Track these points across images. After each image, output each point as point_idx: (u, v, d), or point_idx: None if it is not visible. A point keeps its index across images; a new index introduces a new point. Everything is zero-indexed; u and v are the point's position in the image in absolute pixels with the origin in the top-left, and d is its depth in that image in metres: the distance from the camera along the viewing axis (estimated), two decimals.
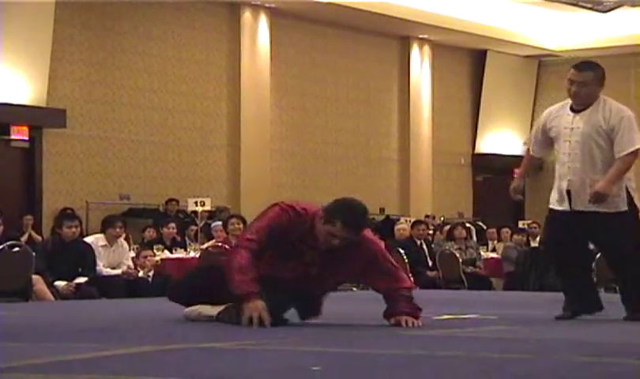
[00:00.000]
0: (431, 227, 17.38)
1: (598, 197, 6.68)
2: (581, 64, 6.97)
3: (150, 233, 14.64)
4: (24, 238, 14.26)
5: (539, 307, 8.37)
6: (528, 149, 7.25)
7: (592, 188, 6.69)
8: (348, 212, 6.01)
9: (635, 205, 6.85)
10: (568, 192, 6.84)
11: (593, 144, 6.78)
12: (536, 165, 7.17)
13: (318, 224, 5.97)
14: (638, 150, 6.74)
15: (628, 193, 6.81)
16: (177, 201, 17.50)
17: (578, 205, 6.81)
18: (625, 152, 6.71)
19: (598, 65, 7.00)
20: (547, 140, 7.05)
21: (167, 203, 17.58)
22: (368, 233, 6.21)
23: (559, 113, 7.00)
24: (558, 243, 6.96)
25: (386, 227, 17.78)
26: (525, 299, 10.77)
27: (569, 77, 6.90)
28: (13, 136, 16.50)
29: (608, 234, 6.82)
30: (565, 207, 6.87)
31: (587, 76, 6.85)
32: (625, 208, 6.80)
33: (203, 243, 14.03)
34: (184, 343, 5.10)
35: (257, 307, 5.85)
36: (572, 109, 6.92)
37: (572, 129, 6.85)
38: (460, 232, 15.09)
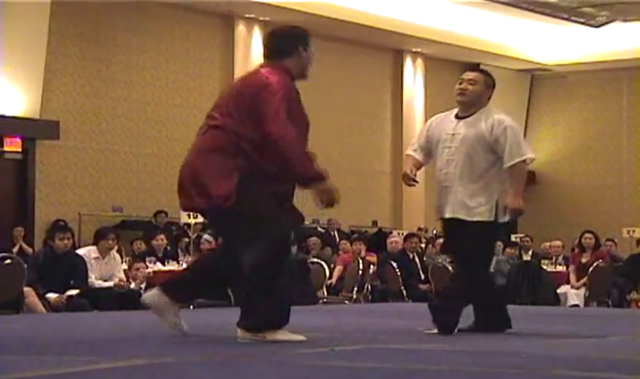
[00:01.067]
0: (424, 240, 17.38)
1: (515, 213, 6.70)
2: (472, 67, 7.13)
3: (138, 245, 14.61)
4: (14, 250, 14.24)
5: (531, 321, 8.36)
6: (411, 153, 7.12)
7: (508, 206, 6.67)
8: (296, 26, 6.28)
9: (497, 220, 6.76)
10: (445, 198, 6.82)
11: (473, 152, 6.72)
12: (419, 166, 7.12)
13: (302, 59, 6.07)
14: (527, 160, 6.75)
15: (497, 205, 6.73)
16: (166, 213, 17.48)
17: (447, 213, 6.78)
18: (514, 161, 6.69)
19: (491, 74, 7.02)
20: (426, 145, 7.01)
21: (155, 215, 17.56)
22: None
23: (443, 120, 6.97)
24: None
25: (379, 239, 17.79)
26: (517, 313, 10.75)
27: (460, 78, 6.95)
28: (6, 148, 16.49)
29: (466, 241, 6.71)
30: (440, 214, 6.89)
31: (477, 77, 6.90)
32: (490, 218, 6.72)
33: (195, 255, 14.02)
34: (176, 356, 5.10)
35: (330, 188, 5.96)
36: (457, 116, 6.88)
37: (453, 135, 6.80)
38: None
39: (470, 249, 6.73)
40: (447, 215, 6.78)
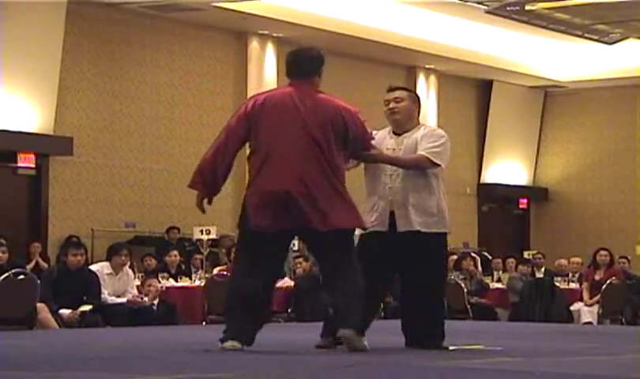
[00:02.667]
0: None
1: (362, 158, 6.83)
2: (393, 86, 7.16)
3: (149, 261, 14.62)
4: (30, 266, 14.25)
5: (544, 339, 8.34)
6: None
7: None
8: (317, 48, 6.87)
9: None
10: (392, 213, 6.77)
11: None
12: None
13: (319, 81, 6.74)
14: (433, 164, 6.78)
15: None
16: (178, 229, 17.49)
17: (401, 226, 6.75)
18: (430, 153, 6.76)
19: (412, 89, 7.26)
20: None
21: (168, 231, 17.56)
22: None
23: (382, 135, 7.05)
24: (371, 267, 6.68)
25: None
26: (530, 330, 10.74)
27: (385, 99, 7.08)
28: (19, 164, 16.51)
29: (425, 255, 6.73)
30: (383, 228, 6.78)
31: (401, 94, 7.08)
32: (445, 229, 6.84)
33: (209, 271, 14.03)
34: (190, 372, 5.08)
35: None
36: (395, 133, 7.03)
37: (394, 150, 6.91)
38: (468, 263, 15.06)
39: (432, 261, 6.78)
40: (401, 229, 6.73)
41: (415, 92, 7.19)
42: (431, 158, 6.80)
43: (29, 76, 16.26)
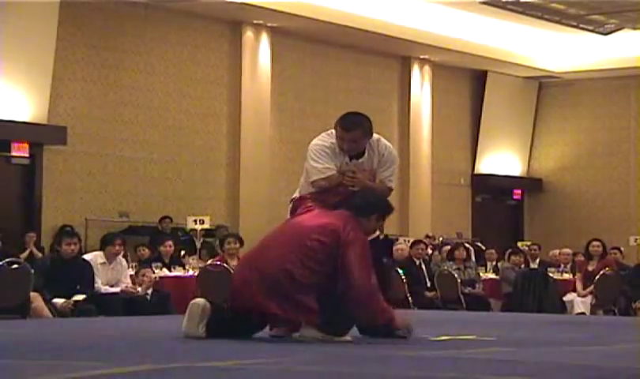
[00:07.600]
0: (430, 247, 17.35)
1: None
2: (349, 123, 6.84)
3: (142, 251, 14.59)
4: (24, 255, 14.24)
5: (537, 329, 8.35)
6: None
7: None
8: None
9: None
10: None
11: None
12: None
13: None
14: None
15: None
16: (170, 219, 17.48)
17: None
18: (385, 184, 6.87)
19: (365, 117, 6.93)
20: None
21: (160, 221, 17.54)
22: None
23: (334, 152, 6.84)
24: None
25: (385, 246, 17.76)
26: (523, 321, 10.75)
27: (338, 135, 6.82)
28: (13, 153, 16.51)
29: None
30: None
31: (356, 135, 6.83)
32: None
33: (205, 261, 14.01)
34: (184, 361, 5.09)
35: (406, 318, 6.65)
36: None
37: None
38: (460, 253, 15.07)
39: None
40: None
41: (368, 122, 6.93)
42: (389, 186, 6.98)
43: (23, 66, 16.24)
